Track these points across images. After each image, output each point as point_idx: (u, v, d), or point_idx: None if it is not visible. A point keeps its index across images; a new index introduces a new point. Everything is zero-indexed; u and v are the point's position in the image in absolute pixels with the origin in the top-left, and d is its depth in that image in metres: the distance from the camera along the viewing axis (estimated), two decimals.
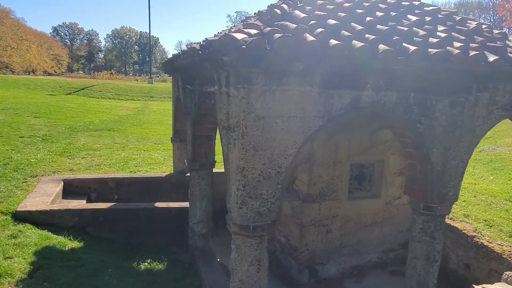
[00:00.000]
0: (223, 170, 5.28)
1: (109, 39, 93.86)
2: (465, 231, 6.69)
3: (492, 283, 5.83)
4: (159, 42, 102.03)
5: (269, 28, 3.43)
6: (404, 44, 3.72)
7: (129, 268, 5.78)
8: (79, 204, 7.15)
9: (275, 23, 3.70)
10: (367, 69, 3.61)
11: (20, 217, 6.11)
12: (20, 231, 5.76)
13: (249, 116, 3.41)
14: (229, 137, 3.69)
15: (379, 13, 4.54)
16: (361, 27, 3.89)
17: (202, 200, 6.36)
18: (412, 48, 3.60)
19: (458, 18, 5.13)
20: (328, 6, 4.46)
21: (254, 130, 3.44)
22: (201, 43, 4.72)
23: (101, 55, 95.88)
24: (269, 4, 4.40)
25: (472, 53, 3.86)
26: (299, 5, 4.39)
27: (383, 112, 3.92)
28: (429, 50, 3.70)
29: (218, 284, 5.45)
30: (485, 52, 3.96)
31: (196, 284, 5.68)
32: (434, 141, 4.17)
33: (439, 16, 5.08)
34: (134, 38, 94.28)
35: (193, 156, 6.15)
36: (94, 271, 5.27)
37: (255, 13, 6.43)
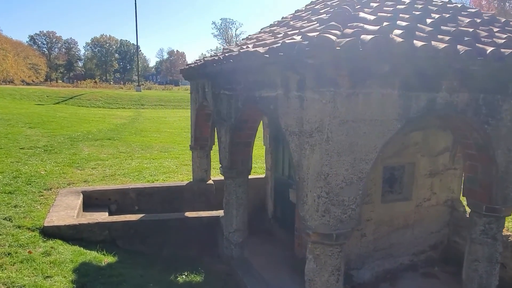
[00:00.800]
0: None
1: (88, 47, 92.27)
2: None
3: None
4: (140, 50, 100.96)
5: (351, 30, 3.33)
6: (477, 44, 3.69)
7: (169, 282, 5.53)
8: (104, 216, 6.84)
9: (349, 24, 3.61)
10: (447, 69, 3.55)
11: (48, 233, 5.78)
12: (52, 247, 5.43)
13: (335, 121, 3.28)
14: (304, 142, 3.55)
15: (434, 15, 4.52)
16: (430, 28, 3.84)
17: (238, 208, 6.17)
18: (490, 48, 3.57)
19: (502, 20, 5.18)
20: (385, 8, 4.41)
21: (339, 135, 3.32)
22: (271, 47, 4.57)
23: (80, 64, 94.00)
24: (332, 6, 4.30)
25: None
26: (358, 6, 4.31)
27: (455, 114, 3.87)
28: (502, 50, 3.68)
29: None
30: None
31: None
32: (499, 142, 4.14)
33: (485, 17, 5.12)
34: (114, 46, 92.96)
35: (230, 164, 5.96)
36: (137, 286, 5.01)
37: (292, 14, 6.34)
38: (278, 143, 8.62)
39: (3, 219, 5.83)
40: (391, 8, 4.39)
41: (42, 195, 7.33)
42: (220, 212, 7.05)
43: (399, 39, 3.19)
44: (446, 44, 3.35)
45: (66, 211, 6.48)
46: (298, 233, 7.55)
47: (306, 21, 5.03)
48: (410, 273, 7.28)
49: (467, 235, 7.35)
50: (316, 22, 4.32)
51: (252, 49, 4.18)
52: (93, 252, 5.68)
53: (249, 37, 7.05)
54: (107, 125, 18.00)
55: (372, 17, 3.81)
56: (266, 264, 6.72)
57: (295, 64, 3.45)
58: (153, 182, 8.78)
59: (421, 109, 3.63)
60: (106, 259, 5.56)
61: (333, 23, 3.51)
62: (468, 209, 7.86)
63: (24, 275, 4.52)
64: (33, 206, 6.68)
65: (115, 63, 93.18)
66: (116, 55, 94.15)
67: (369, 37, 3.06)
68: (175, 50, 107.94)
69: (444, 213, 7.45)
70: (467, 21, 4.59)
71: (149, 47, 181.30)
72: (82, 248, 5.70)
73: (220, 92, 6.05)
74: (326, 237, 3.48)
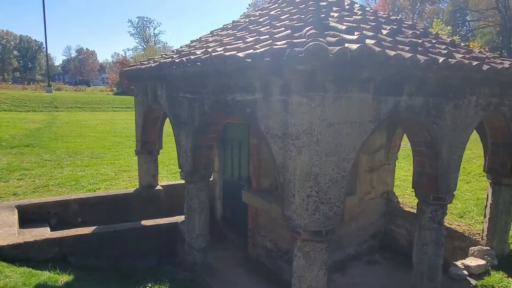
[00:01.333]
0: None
1: None
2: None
3: (458, 259, 6.80)
4: (43, 47, 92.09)
5: (334, 38, 3.58)
6: (429, 54, 4.23)
7: None
8: (46, 232, 6.23)
9: (325, 32, 3.87)
10: (409, 76, 4.01)
11: None
12: None
13: (323, 123, 3.51)
14: (289, 144, 3.73)
15: (385, 26, 5.03)
16: (390, 39, 4.30)
17: (201, 213, 6.11)
18: (441, 58, 4.12)
19: (433, 32, 5.95)
20: (346, 18, 4.79)
21: (327, 137, 3.55)
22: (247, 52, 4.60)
23: None
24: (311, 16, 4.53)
25: (474, 63, 4.56)
26: (322, 15, 4.61)
27: (413, 115, 4.38)
28: (450, 60, 4.26)
29: None
30: (479, 62, 4.72)
31: None
32: (444, 139, 4.78)
33: (420, 30, 5.83)
34: (13, 43, 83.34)
35: (193, 168, 5.88)
36: None
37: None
38: (226, 146, 8.69)
39: None
40: (351, 19, 4.79)
41: None
42: (178, 218, 6.91)
43: (378, 49, 3.53)
44: (411, 54, 3.79)
45: (4, 229, 5.77)
46: (251, 234, 7.73)
47: (269, 27, 5.20)
48: (355, 262, 7.90)
49: (401, 223, 8.23)
50: (285, 29, 4.52)
51: (229, 53, 4.22)
52: (45, 272, 5.16)
53: (202, 39, 7.02)
54: (20, 130, 16.20)
55: (343, 27, 4.13)
56: (227, 266, 6.76)
57: (281, 69, 3.59)
58: (94, 191, 8.20)
59: (389, 111, 4.04)
60: (62, 278, 5.10)
61: (313, 31, 3.73)
62: (400, 200, 8.79)
63: None
64: None
65: (14, 61, 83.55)
66: (15, 52, 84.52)
67: (355, 46, 3.33)
68: (84, 48, 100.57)
69: (381, 204, 8.24)
70: (410, 33, 5.20)
71: (53, 44, 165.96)
72: (31, 269, 5.13)
73: (178, 95, 5.93)
74: (317, 234, 3.70)
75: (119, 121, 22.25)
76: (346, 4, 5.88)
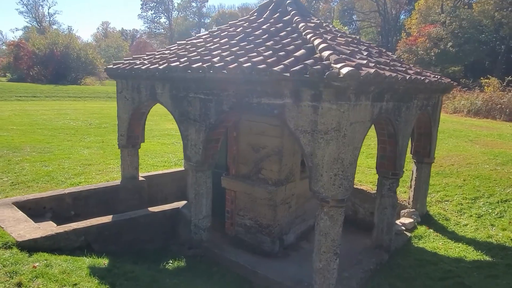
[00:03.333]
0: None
1: None
2: (368, 190, 9.77)
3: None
4: None
5: (353, 63, 5.02)
6: (398, 72, 5.97)
7: (165, 271, 6.12)
8: (50, 225, 6.51)
9: (340, 55, 5.28)
10: (389, 88, 5.68)
11: (25, 248, 5.38)
12: (46, 259, 5.19)
13: (347, 122, 4.95)
14: (317, 138, 5.10)
15: (361, 47, 6.66)
16: (374, 60, 5.92)
17: (208, 197, 7.10)
18: (408, 75, 5.89)
19: (390, 52, 7.82)
20: (338, 40, 6.27)
21: (349, 132, 5.01)
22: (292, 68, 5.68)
23: None
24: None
25: (422, 78, 6.48)
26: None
27: (387, 115, 6.09)
28: (413, 76, 6.07)
29: (250, 262, 6.56)
30: (424, 77, 6.67)
31: (225, 268, 6.58)
32: (400, 131, 6.66)
33: (376, 49, 7.65)
34: None
35: (203, 159, 6.82)
36: (153, 281, 5.48)
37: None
38: None
39: None
40: (342, 41, 6.29)
41: None
42: (179, 204, 7.72)
43: (381, 72, 5.08)
44: (394, 73, 5.46)
45: (23, 223, 5.97)
46: (230, 215, 8.86)
47: (273, 42, 6.41)
48: (314, 231, 9.67)
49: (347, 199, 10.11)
50: (304, 50, 5.80)
51: (262, 66, 5.36)
52: (85, 258, 5.67)
53: (197, 43, 7.80)
54: None
55: (347, 51, 5.60)
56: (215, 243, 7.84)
57: (316, 83, 4.91)
58: (77, 185, 8.39)
59: (376, 113, 5.67)
60: (104, 261, 5.68)
61: (335, 56, 5.11)
62: None
63: None
64: None
65: None
66: None
67: (372, 70, 4.83)
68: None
69: None
70: (375, 51, 6.94)
71: None
72: (71, 256, 5.59)
73: (188, 95, 6.77)
74: (340, 202, 5.17)
75: (33, 112, 20.66)
76: (324, 25, 7.38)
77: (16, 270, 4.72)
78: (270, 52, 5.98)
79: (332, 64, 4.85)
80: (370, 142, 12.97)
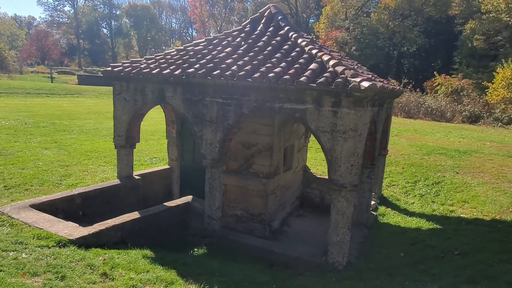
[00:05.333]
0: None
1: None
2: None
3: None
4: None
5: (366, 77, 6.38)
6: (385, 84, 7.54)
7: (199, 257, 6.84)
8: (72, 225, 6.72)
9: (350, 70, 6.61)
10: (380, 96, 7.20)
11: (76, 245, 5.65)
12: (105, 253, 5.58)
13: (361, 124, 6.31)
14: (337, 137, 6.38)
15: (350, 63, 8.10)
16: (368, 71, 7.39)
17: (220, 190, 7.89)
18: (390, 86, 7.48)
19: (363, 67, 9.41)
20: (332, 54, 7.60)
21: (363, 131, 6.38)
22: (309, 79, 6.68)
23: None
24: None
25: (391, 87, 8.17)
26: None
27: (373, 116, 7.61)
28: (390, 86, 7.69)
29: (268, 243, 7.62)
30: (394, 86, 8.39)
31: (241, 251, 7.50)
32: (378, 130, 8.28)
33: (353, 63, 9.19)
34: None
35: (219, 156, 7.61)
36: (201, 266, 6.20)
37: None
38: (185, 137, 10.25)
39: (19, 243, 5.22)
40: (337, 55, 7.64)
41: None
42: (188, 198, 8.34)
43: (385, 85, 6.54)
44: (387, 85, 6.98)
45: (61, 223, 6.13)
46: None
47: (280, 55, 7.47)
48: (291, 217, 11.00)
49: (315, 186, 11.67)
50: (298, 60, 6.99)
51: (288, 77, 6.43)
52: (134, 250, 6.12)
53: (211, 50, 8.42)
54: None
55: (351, 66, 6.95)
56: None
57: (338, 93, 6.16)
58: (75, 187, 8.39)
59: (372, 116, 7.15)
60: (149, 252, 6.20)
61: (351, 71, 6.41)
62: (312, 170, 12.25)
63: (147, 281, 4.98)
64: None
65: None
66: None
67: (379, 84, 6.24)
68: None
69: (301, 175, 11.54)
70: (351, 61, 8.45)
71: None
72: (121, 249, 6.00)
73: (204, 98, 7.49)
74: (355, 186, 6.51)
75: None
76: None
77: (92, 263, 5.08)
78: (285, 64, 7.05)
79: (349, 78, 6.15)
80: None
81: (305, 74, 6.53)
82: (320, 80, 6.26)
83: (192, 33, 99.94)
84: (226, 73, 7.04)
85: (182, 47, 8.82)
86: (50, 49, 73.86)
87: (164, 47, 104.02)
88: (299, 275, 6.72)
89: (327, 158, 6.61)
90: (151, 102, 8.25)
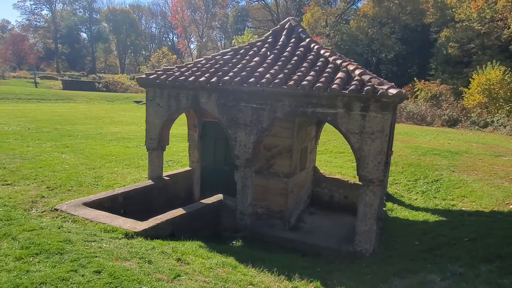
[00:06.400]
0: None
1: None
2: (342, 178, 12.26)
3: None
4: None
5: (389, 85, 7.25)
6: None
7: (243, 248, 7.49)
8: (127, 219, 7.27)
9: (373, 78, 7.47)
10: (391, 102, 8.10)
11: (140, 236, 6.22)
12: (174, 245, 6.17)
13: (387, 125, 7.17)
14: (365, 137, 7.22)
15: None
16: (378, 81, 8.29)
17: (251, 188, 8.57)
18: (397, 90, 8.40)
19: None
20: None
21: (388, 132, 7.23)
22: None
23: None
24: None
25: (403, 91, 9.10)
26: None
27: (391, 119, 8.51)
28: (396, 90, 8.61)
29: (298, 236, 8.33)
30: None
31: (274, 243, 8.21)
32: (392, 131, 9.18)
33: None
34: None
35: (252, 156, 8.30)
36: (250, 254, 6.86)
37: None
38: (207, 141, 10.88)
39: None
40: (355, 64, 8.49)
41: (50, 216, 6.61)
42: (219, 197, 8.97)
43: (403, 90, 7.42)
44: (398, 90, 7.88)
45: (118, 219, 6.65)
46: None
47: (309, 63, 8.27)
48: (304, 214, 11.78)
49: (324, 186, 12.50)
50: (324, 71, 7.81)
51: (319, 84, 7.22)
52: (189, 242, 6.73)
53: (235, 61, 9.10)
54: None
55: (372, 74, 7.81)
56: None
57: (367, 99, 7.00)
58: (112, 187, 8.87)
59: (390, 118, 8.03)
60: (201, 243, 6.82)
61: (377, 80, 7.27)
62: (321, 170, 13.06)
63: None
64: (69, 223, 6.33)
65: None
66: None
67: (403, 90, 7.12)
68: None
69: (311, 175, 12.35)
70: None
71: None
72: (178, 241, 6.60)
73: (239, 104, 8.18)
74: (381, 181, 7.35)
75: None
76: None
77: (163, 250, 5.67)
78: (314, 72, 7.85)
79: (375, 86, 7.01)
80: (337, 142, 15.62)
81: (335, 82, 7.35)
82: (351, 87, 7.09)
83: (173, 38, 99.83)
84: (262, 80, 7.77)
85: (210, 56, 9.49)
86: (27, 54, 72.22)
87: (144, 52, 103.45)
88: (330, 262, 7.47)
89: (356, 157, 7.42)
90: (184, 107, 8.86)
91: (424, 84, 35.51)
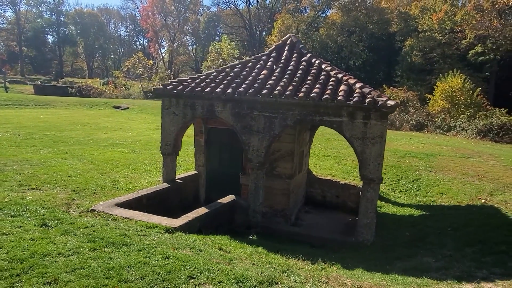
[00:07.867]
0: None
1: None
2: (333, 179, 13.39)
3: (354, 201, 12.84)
4: None
5: (386, 97, 8.42)
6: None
7: (261, 241, 8.38)
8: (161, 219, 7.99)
9: (372, 89, 8.63)
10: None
11: (180, 231, 6.98)
12: (209, 238, 6.97)
13: (385, 132, 8.33)
14: (367, 142, 8.35)
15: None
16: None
17: (263, 188, 9.49)
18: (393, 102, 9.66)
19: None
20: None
21: (385, 138, 8.39)
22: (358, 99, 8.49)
23: None
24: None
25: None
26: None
27: None
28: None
29: (305, 230, 9.29)
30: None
31: (283, 237, 9.15)
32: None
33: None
34: None
35: (264, 160, 9.22)
36: (274, 247, 7.76)
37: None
38: (212, 146, 11.69)
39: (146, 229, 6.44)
40: (354, 78, 9.65)
41: (79, 216, 7.22)
42: (232, 197, 9.79)
43: (398, 102, 8.62)
44: (396, 102, 9.10)
45: (154, 217, 7.37)
46: None
47: (314, 76, 9.33)
48: (300, 213, 12.81)
49: (317, 187, 13.59)
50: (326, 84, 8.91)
51: (326, 96, 8.29)
52: (218, 236, 7.53)
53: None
54: None
55: (370, 87, 8.97)
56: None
57: (368, 109, 8.13)
58: (131, 190, 9.49)
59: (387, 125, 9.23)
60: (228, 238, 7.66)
61: (376, 92, 8.42)
62: (314, 172, 14.14)
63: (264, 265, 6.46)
64: (110, 221, 6.98)
65: None
66: None
67: (394, 102, 8.31)
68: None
69: (306, 176, 13.42)
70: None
71: None
72: (207, 235, 7.40)
73: (253, 112, 9.09)
74: (380, 180, 8.49)
75: None
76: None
77: (205, 242, 6.48)
78: (319, 85, 8.91)
79: (375, 97, 8.16)
80: (322, 146, 16.73)
81: (339, 94, 8.45)
82: (354, 99, 8.20)
83: (143, 42, 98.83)
84: (275, 92, 8.74)
85: (220, 69, 10.35)
86: None
87: (113, 56, 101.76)
88: (338, 251, 8.52)
89: (359, 159, 8.54)
90: (200, 115, 9.67)
91: (393, 90, 37.72)
